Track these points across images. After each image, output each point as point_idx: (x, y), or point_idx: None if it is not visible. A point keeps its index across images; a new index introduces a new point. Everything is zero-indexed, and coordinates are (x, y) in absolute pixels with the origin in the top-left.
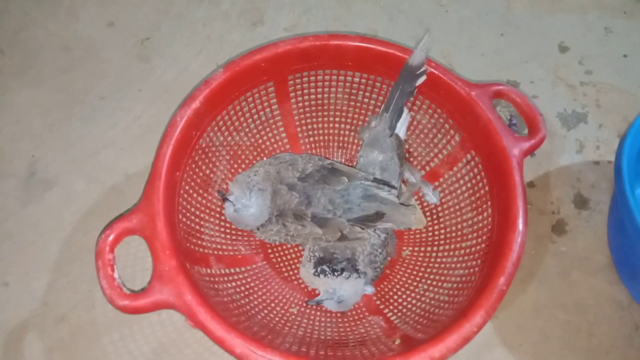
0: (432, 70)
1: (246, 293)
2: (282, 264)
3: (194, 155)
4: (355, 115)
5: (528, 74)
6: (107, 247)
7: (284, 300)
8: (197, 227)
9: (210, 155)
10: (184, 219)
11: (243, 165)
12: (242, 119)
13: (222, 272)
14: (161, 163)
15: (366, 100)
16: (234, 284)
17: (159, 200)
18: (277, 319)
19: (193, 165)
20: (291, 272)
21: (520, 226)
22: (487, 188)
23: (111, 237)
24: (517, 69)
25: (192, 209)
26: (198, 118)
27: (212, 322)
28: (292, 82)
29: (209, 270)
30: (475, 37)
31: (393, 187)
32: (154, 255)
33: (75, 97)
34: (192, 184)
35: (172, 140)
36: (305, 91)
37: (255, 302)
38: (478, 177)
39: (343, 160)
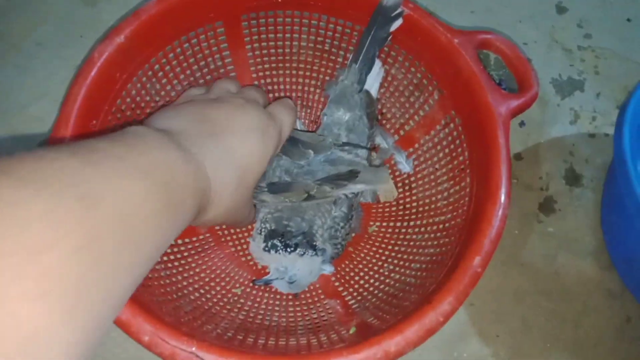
0: (409, 12)
1: (180, 270)
2: (228, 238)
3: (120, 104)
4: (322, 69)
5: (521, 35)
6: None
7: (227, 279)
8: None
9: (143, 105)
10: None
11: None
12: (184, 64)
13: None
14: (70, 107)
15: (334, 50)
16: (165, 257)
17: None
18: (215, 300)
19: (118, 115)
20: (239, 247)
21: (502, 197)
22: (466, 154)
23: None
24: (509, 29)
25: None
26: (124, 56)
27: None
28: (246, 23)
29: None
30: None
31: (364, 148)
32: None
33: (10, 42)
34: None
35: (87, 80)
36: (263, 36)
37: (191, 280)
38: (457, 142)
39: (307, 121)
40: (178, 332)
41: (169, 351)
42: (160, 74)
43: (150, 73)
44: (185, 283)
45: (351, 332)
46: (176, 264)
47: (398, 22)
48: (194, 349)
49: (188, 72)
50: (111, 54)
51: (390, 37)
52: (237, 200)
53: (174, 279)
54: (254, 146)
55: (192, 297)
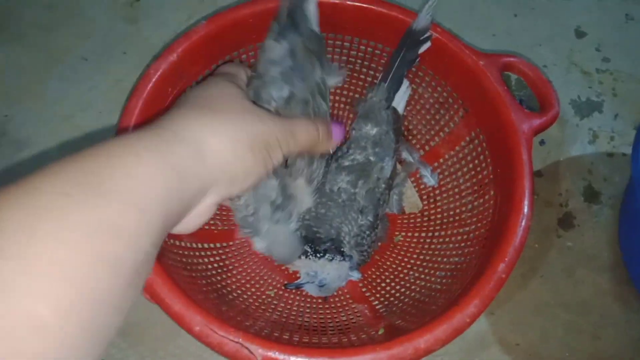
0: (437, 36)
1: (219, 271)
2: None
3: None
4: (352, 87)
5: (541, 57)
6: None
7: (261, 282)
8: None
9: None
10: None
11: None
12: None
13: (194, 246)
14: (129, 119)
15: (364, 70)
16: (206, 259)
17: None
18: (251, 300)
19: None
20: None
21: (526, 209)
22: (490, 168)
23: None
24: (529, 52)
25: None
26: (175, 73)
27: (170, 294)
28: None
29: (177, 242)
30: (486, 16)
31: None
32: None
33: (55, 56)
34: None
35: (143, 93)
36: None
37: (229, 281)
38: (481, 157)
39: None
40: (226, 324)
41: (217, 341)
42: None
43: None
44: (223, 284)
45: (380, 333)
46: (215, 265)
47: (426, 45)
48: (240, 339)
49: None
50: (165, 70)
51: (418, 59)
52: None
53: (213, 280)
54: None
55: (230, 297)
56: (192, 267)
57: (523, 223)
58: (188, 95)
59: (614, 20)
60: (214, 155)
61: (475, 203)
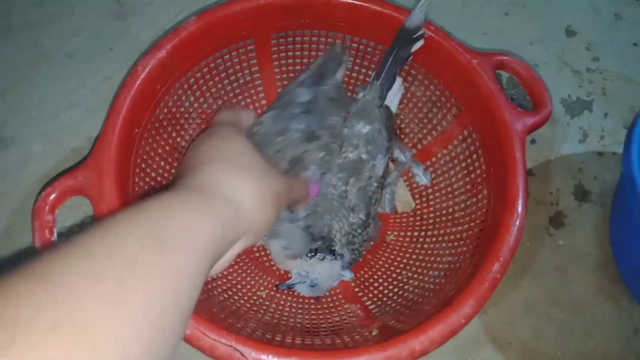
0: (431, 34)
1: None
2: None
3: (158, 114)
4: (344, 86)
5: (532, 56)
6: (47, 207)
7: (252, 283)
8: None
9: (178, 116)
10: (142, 184)
11: None
12: (216, 78)
13: None
14: (116, 115)
15: (356, 68)
16: None
17: (110, 157)
18: (242, 301)
19: (156, 125)
20: (263, 253)
21: (520, 208)
22: (483, 167)
23: (52, 196)
24: (521, 51)
25: (153, 174)
26: (164, 70)
27: None
28: (275, 41)
29: None
30: (478, 15)
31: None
32: (99, 219)
33: (43, 53)
34: (154, 145)
35: (131, 90)
36: (290, 54)
37: (219, 282)
38: (474, 156)
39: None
40: (217, 326)
41: (208, 344)
42: (195, 87)
43: (186, 86)
44: (214, 284)
45: (374, 333)
46: None
47: (420, 43)
48: (233, 342)
49: (219, 85)
50: (153, 67)
51: (411, 57)
52: (266, 218)
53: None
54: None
55: (221, 298)
56: None
57: (517, 222)
58: (210, 148)
59: (604, 19)
60: (247, 211)
61: (468, 202)
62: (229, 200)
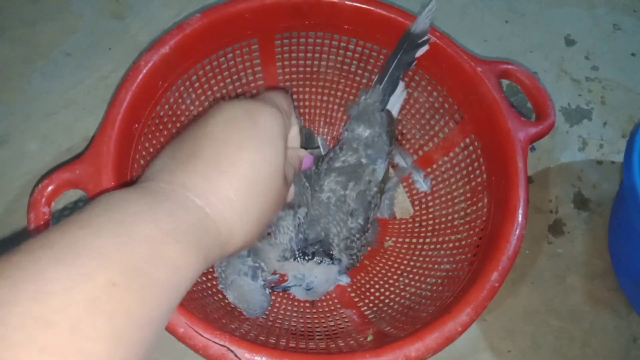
0: (436, 40)
1: (205, 272)
2: None
3: (159, 110)
4: (347, 89)
5: (532, 64)
6: (44, 199)
7: None
8: None
9: (179, 113)
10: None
11: None
12: (219, 77)
13: None
14: (117, 110)
15: (360, 72)
16: None
17: (109, 152)
18: None
19: (157, 121)
20: None
21: (520, 218)
22: (484, 176)
23: (49, 189)
24: (520, 58)
25: None
26: (166, 66)
27: None
28: (279, 41)
29: None
30: (478, 22)
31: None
32: None
33: (39, 51)
34: (154, 142)
35: (133, 85)
36: (294, 54)
37: (214, 282)
38: (476, 164)
39: (329, 137)
40: (211, 326)
41: (202, 343)
42: (197, 84)
43: (187, 83)
44: (209, 284)
45: (369, 339)
46: None
47: (424, 49)
48: (226, 342)
49: (222, 84)
50: (156, 63)
51: (415, 62)
52: (254, 222)
53: (199, 279)
54: (251, 162)
55: (215, 298)
56: None
57: (517, 232)
58: (235, 137)
59: (603, 29)
60: (233, 241)
61: (468, 210)
62: (219, 232)
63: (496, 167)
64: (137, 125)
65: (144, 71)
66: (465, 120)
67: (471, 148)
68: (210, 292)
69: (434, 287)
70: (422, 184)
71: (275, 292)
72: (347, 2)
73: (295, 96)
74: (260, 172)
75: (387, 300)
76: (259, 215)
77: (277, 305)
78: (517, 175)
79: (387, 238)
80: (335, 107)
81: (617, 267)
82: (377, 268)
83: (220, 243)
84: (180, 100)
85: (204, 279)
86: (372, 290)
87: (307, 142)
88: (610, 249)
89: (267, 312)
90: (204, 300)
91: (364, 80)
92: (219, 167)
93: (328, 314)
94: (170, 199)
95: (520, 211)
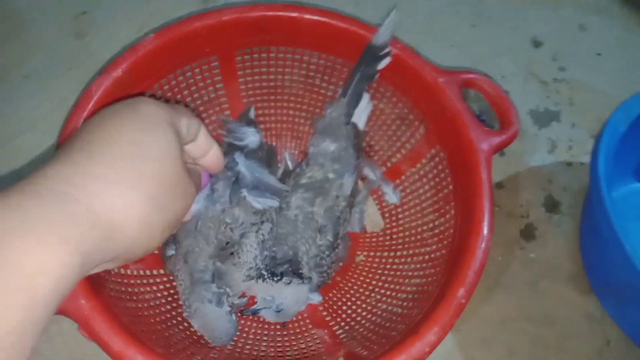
0: (397, 52)
1: (169, 299)
2: None
3: None
4: (312, 102)
5: (500, 68)
6: None
7: None
8: None
9: None
10: None
11: None
12: (178, 96)
13: (142, 273)
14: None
15: (324, 84)
16: (154, 287)
17: None
18: (192, 330)
19: None
20: None
21: (485, 230)
22: (451, 187)
23: None
24: (488, 63)
25: None
26: (120, 90)
27: (109, 332)
28: (240, 57)
29: (122, 271)
30: (445, 28)
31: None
32: None
33: None
34: None
35: (84, 112)
36: (256, 70)
37: (179, 311)
38: (442, 175)
39: (297, 152)
40: None
41: None
42: None
43: None
44: (174, 313)
45: None
46: (165, 293)
47: (386, 61)
48: None
49: (182, 103)
50: (108, 87)
51: (378, 74)
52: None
53: (162, 309)
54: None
55: (180, 328)
56: (138, 297)
57: (483, 245)
58: (114, 130)
59: (569, 30)
60: (126, 238)
61: (437, 222)
62: (101, 222)
63: (461, 178)
64: None
65: (95, 97)
66: (430, 130)
67: (437, 159)
68: (175, 322)
69: (405, 304)
70: (392, 196)
71: (245, 316)
72: (305, 16)
73: (260, 111)
74: (147, 152)
75: (358, 318)
76: (152, 193)
77: (246, 329)
78: (481, 186)
79: (359, 252)
80: (302, 120)
81: (589, 270)
82: (349, 284)
83: (100, 228)
84: None
85: (169, 307)
86: (344, 307)
87: (269, 157)
88: (582, 251)
89: (235, 338)
90: (169, 331)
91: (330, 93)
92: (90, 150)
93: (299, 335)
94: (25, 193)
95: (486, 223)
